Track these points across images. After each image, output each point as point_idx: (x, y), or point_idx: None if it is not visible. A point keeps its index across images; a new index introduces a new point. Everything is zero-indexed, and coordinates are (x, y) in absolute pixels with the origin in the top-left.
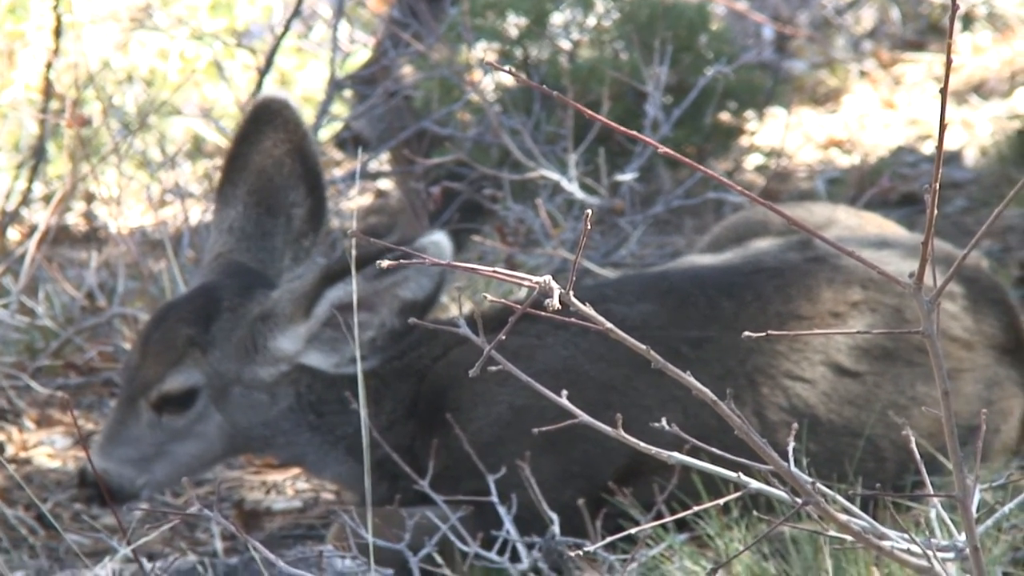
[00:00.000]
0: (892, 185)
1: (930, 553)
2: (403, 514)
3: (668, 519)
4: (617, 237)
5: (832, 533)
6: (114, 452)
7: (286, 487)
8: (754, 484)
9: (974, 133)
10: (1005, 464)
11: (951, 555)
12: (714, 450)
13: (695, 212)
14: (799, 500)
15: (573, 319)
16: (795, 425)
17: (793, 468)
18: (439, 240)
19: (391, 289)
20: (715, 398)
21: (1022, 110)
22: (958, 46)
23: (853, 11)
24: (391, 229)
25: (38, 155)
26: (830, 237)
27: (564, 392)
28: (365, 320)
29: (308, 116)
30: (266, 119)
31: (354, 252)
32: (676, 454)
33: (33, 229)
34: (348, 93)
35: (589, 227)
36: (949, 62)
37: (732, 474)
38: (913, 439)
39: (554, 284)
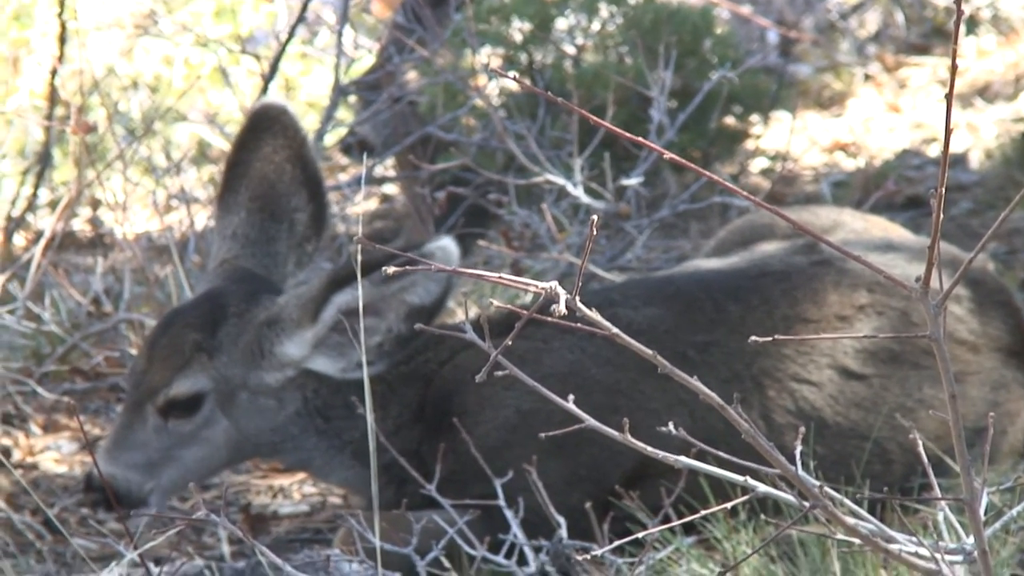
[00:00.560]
0: (897, 188)
1: (938, 556)
2: (410, 518)
3: (676, 523)
4: (623, 241)
5: (840, 536)
6: (120, 457)
7: (293, 491)
8: (762, 488)
9: (979, 136)
10: (1012, 467)
11: (959, 558)
12: (721, 454)
13: (701, 216)
14: (807, 503)
15: (579, 324)
16: (802, 428)
17: (800, 472)
18: (446, 245)
19: (398, 294)
20: (722, 403)
21: None
22: (962, 49)
23: (857, 15)
24: (397, 234)
25: (43, 161)
26: (836, 240)
27: (571, 397)
28: (372, 325)
29: (313, 122)
30: (264, 126)
31: (360, 258)
32: (683, 458)
33: (39, 235)
34: (353, 99)
35: (595, 232)
36: (954, 67)
37: (740, 478)
38: (921, 442)
39: (561, 290)
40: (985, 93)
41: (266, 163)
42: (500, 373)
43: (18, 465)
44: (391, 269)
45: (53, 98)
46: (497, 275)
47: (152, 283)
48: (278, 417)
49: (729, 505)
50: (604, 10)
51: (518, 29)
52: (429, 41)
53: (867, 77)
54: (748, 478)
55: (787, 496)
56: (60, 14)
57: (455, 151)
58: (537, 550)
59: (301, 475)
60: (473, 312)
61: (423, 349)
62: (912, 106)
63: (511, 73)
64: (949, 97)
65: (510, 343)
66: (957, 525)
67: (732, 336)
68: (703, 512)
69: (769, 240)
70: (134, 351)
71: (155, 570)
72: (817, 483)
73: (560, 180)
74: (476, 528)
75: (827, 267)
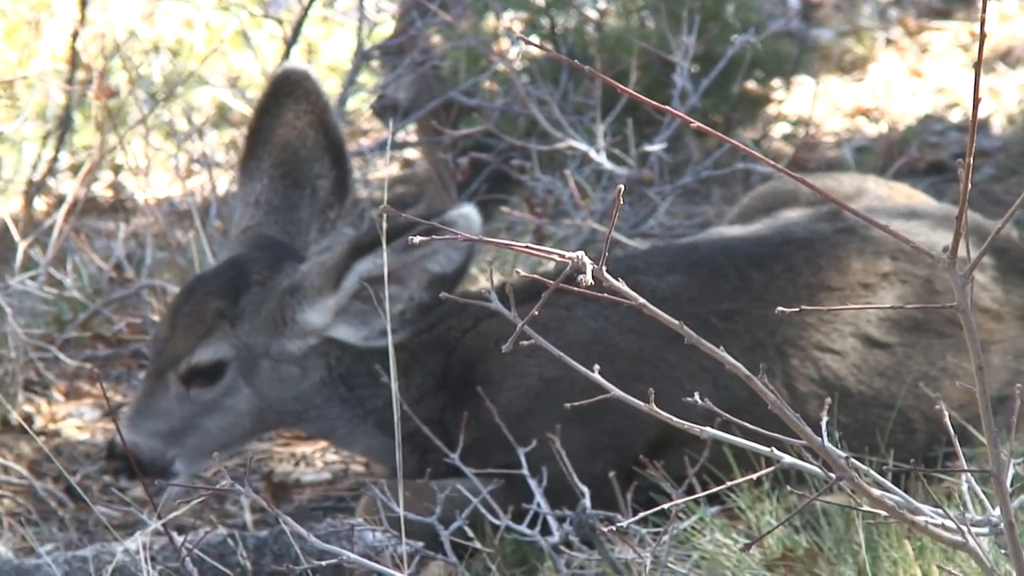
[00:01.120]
0: (920, 155)
1: (964, 528)
2: (433, 487)
3: (701, 494)
4: (646, 208)
5: (865, 508)
6: (143, 425)
7: (315, 459)
8: (787, 459)
9: (1001, 101)
10: None
11: (985, 530)
12: (746, 424)
13: (723, 182)
14: (832, 475)
15: (605, 294)
16: (828, 400)
17: (827, 443)
18: (468, 213)
19: (420, 262)
20: (749, 373)
21: None
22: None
23: None
24: (418, 199)
25: (64, 125)
26: (859, 208)
27: (596, 367)
28: (394, 293)
29: (335, 86)
30: (287, 91)
31: (384, 224)
32: (708, 429)
33: (60, 200)
34: (375, 63)
35: (621, 203)
36: (983, 35)
37: (765, 449)
38: (946, 412)
39: (587, 260)
40: (1007, 58)
41: (289, 129)
42: (525, 343)
43: (40, 432)
44: (417, 239)
45: (74, 62)
46: (524, 245)
47: (174, 248)
48: (301, 386)
49: (755, 476)
50: None
51: None
52: (451, 5)
53: (889, 42)
54: (773, 449)
55: (813, 468)
56: None
57: (477, 116)
58: (561, 520)
59: (323, 443)
60: (497, 279)
61: (446, 317)
62: (934, 71)
63: (533, 38)
64: (978, 68)
65: (536, 313)
66: (982, 494)
67: (755, 304)
68: (729, 484)
69: (792, 207)
70: (156, 317)
71: (178, 539)
72: (843, 455)
73: (583, 146)
74: (500, 497)
75: (851, 234)
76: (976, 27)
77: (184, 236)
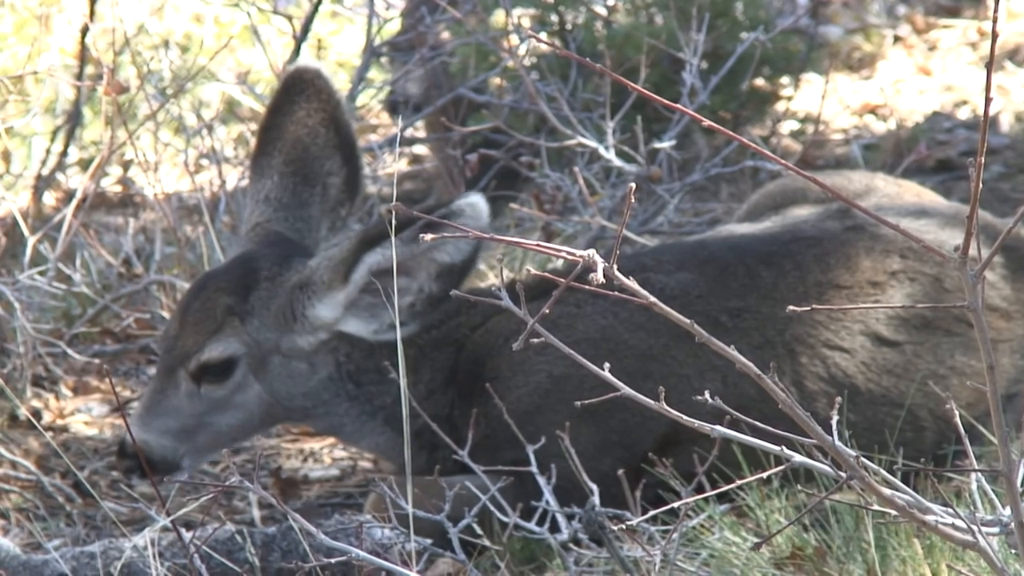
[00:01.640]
0: (929, 152)
1: (975, 528)
2: (442, 484)
3: (710, 492)
4: (655, 205)
5: (875, 507)
6: (153, 423)
7: (323, 455)
8: (797, 458)
9: (1010, 99)
10: None
11: (995, 530)
12: (755, 422)
13: (732, 179)
14: (842, 473)
15: (616, 292)
16: (838, 399)
17: (837, 442)
18: (475, 202)
19: (428, 253)
20: (759, 372)
21: None
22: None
23: None
24: (427, 195)
25: (74, 120)
26: (868, 206)
27: (606, 364)
28: (403, 285)
29: (344, 82)
30: (299, 89)
31: (394, 220)
32: (718, 427)
33: (69, 195)
34: (385, 59)
35: (632, 201)
36: (995, 35)
37: (775, 447)
38: (956, 411)
39: (598, 258)
40: (1015, 56)
41: (300, 127)
42: (535, 340)
43: (48, 427)
44: (428, 236)
45: (83, 57)
46: (534, 242)
47: (183, 244)
48: (310, 382)
49: (765, 475)
50: None
51: None
52: (461, 1)
53: (897, 39)
54: (783, 447)
55: (823, 467)
56: None
57: (486, 113)
58: (570, 517)
59: (332, 439)
60: (506, 276)
61: (455, 314)
62: (942, 68)
63: (542, 35)
64: (989, 67)
65: (547, 311)
66: (991, 493)
67: (764, 302)
68: (738, 482)
69: (802, 204)
70: (165, 312)
71: (186, 535)
72: (853, 454)
73: (592, 143)
74: (508, 494)
75: (860, 232)
76: (984, 24)
77: (193, 231)
